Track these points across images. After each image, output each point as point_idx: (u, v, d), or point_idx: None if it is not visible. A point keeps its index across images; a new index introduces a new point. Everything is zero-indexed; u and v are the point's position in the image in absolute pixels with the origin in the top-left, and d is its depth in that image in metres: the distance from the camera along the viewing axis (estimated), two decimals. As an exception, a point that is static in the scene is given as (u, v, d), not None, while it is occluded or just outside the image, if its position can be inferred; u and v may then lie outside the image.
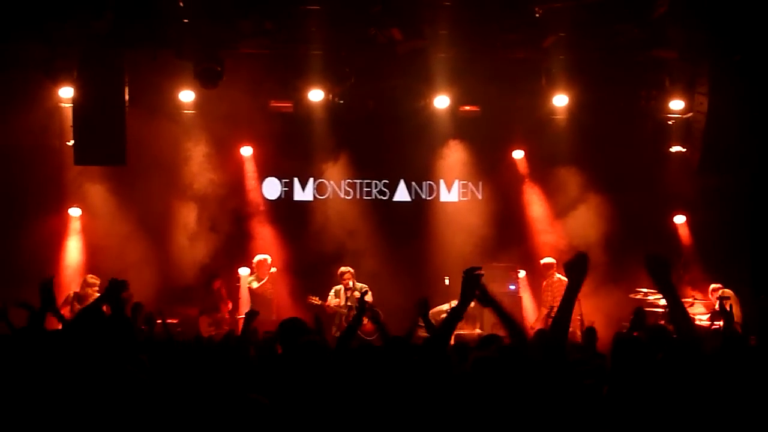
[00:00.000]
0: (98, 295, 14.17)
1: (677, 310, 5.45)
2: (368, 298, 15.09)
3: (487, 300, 5.67)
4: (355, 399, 4.73)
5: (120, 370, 4.98)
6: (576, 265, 5.40)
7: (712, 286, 15.23)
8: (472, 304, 5.62)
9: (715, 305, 13.61)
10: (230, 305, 15.88)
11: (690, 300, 15.38)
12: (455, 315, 5.67)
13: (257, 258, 15.99)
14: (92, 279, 14.82)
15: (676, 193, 17.11)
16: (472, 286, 5.58)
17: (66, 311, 14.18)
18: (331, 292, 15.55)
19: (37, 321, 7.31)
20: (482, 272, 5.65)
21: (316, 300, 15.24)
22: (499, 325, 5.74)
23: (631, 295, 14.91)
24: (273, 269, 15.89)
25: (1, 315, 8.76)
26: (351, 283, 15.48)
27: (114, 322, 6.98)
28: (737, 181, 16.34)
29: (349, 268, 15.56)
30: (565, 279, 5.40)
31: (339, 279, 15.52)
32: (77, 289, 14.90)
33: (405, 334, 7.64)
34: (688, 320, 5.51)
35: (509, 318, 5.65)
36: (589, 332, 9.46)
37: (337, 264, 15.84)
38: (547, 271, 16.06)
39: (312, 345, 6.50)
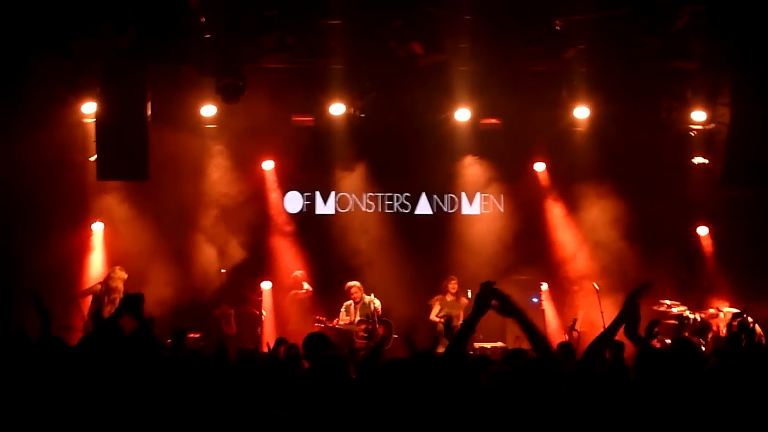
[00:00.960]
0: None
1: (528, 331, 5.54)
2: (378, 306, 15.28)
3: (510, 310, 5.62)
4: (379, 413, 4.71)
5: (141, 385, 4.98)
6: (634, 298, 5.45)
7: (725, 309, 15.11)
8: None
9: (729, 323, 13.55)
10: (234, 328, 15.82)
11: (714, 311, 15.30)
12: (467, 327, 5.66)
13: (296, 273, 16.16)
14: (121, 272, 14.80)
15: (699, 204, 17.05)
16: (486, 299, 5.56)
17: (86, 303, 14.44)
18: (342, 309, 15.60)
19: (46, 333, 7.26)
20: (497, 286, 5.64)
21: (322, 322, 15.27)
22: (522, 337, 5.72)
23: (655, 307, 14.83)
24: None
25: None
26: (360, 297, 15.53)
27: (138, 338, 7.02)
28: (760, 192, 16.26)
29: (356, 283, 15.63)
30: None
31: (348, 294, 15.57)
32: (103, 281, 14.82)
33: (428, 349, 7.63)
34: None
35: (533, 329, 5.59)
36: (618, 346, 9.41)
37: (359, 277, 15.85)
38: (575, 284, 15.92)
39: (335, 359, 6.52)
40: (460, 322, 15.18)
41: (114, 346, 6.62)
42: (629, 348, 8.81)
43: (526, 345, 5.92)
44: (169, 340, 11.52)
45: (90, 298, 14.53)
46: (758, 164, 14.96)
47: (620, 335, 5.87)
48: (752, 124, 14.62)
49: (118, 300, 14.35)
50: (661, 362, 5.59)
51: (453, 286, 15.76)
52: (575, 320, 15.07)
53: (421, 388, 4.67)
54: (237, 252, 16.47)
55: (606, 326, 12.52)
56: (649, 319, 7.41)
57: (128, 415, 5.00)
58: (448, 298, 15.72)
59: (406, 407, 4.58)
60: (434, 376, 4.84)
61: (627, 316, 5.54)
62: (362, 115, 15.63)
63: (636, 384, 5.52)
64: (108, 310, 14.06)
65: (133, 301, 7.08)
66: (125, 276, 14.67)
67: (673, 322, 14.84)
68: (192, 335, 14.56)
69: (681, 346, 8.07)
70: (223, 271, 15.98)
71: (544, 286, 16.50)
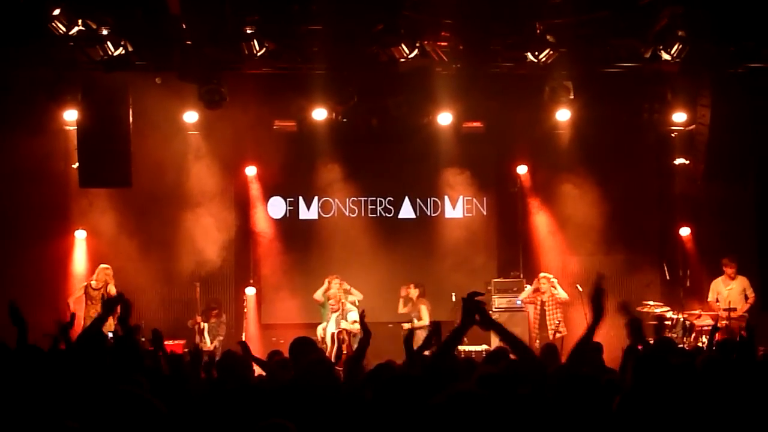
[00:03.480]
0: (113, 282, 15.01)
1: (508, 340, 5.73)
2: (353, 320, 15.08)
3: (489, 323, 5.75)
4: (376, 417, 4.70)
5: (125, 393, 4.93)
6: (597, 298, 5.50)
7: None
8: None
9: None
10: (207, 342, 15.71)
11: (696, 312, 15.39)
12: (456, 336, 5.73)
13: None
14: (107, 269, 15.18)
15: (681, 205, 17.14)
16: (472, 311, 5.62)
17: (80, 302, 14.82)
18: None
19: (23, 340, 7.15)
20: (482, 298, 5.72)
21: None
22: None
23: (638, 308, 14.89)
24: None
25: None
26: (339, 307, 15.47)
27: (122, 345, 7.00)
28: (741, 192, 16.39)
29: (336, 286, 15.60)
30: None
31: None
32: (90, 282, 15.17)
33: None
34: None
35: (513, 338, 5.71)
36: (596, 348, 9.45)
37: (346, 282, 15.83)
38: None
39: (319, 363, 6.53)
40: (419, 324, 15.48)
41: (97, 353, 6.61)
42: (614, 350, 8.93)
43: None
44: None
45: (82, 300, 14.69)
46: (739, 164, 15.11)
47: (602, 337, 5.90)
48: (733, 125, 14.73)
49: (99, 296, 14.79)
50: (655, 363, 5.61)
51: (406, 291, 15.98)
52: (559, 322, 15.14)
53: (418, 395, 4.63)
54: (220, 258, 16.48)
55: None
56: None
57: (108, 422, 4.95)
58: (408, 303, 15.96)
59: (401, 414, 4.56)
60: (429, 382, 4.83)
61: (599, 317, 5.56)
62: (344, 120, 15.65)
63: (631, 385, 5.54)
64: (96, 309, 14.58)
65: (117, 304, 7.05)
66: (110, 271, 15.16)
67: (655, 322, 14.90)
68: (176, 342, 14.55)
69: (662, 346, 8.12)
70: (196, 284, 15.79)
71: (528, 288, 16.50)
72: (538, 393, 5.31)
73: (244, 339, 15.49)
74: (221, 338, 15.74)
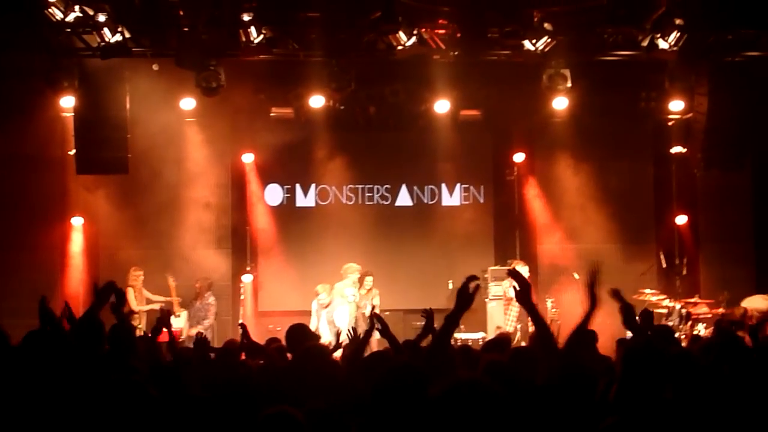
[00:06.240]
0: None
1: (538, 323, 5.55)
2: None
3: (526, 300, 5.58)
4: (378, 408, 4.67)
5: (124, 381, 4.93)
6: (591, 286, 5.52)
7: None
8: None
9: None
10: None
11: (694, 300, 15.41)
12: (451, 321, 5.65)
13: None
14: (136, 271, 15.41)
15: (678, 193, 17.17)
16: (469, 294, 5.59)
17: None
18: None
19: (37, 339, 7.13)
20: (478, 281, 5.66)
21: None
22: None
23: (635, 297, 14.91)
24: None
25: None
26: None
27: (117, 333, 7.00)
28: (738, 180, 16.42)
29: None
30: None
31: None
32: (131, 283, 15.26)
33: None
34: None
35: (543, 322, 5.62)
36: (591, 336, 9.47)
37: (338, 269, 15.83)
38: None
39: (316, 349, 6.54)
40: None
41: (95, 340, 6.61)
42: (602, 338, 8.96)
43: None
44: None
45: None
46: (736, 152, 15.15)
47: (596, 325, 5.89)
48: (730, 113, 14.76)
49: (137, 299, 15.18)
50: (652, 354, 5.60)
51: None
52: (554, 310, 15.17)
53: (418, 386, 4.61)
54: (216, 245, 16.51)
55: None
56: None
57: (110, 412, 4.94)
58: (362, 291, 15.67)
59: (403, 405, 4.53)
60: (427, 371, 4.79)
61: (593, 305, 5.55)
62: (342, 108, 15.67)
63: (624, 375, 5.54)
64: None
65: (109, 293, 7.03)
66: (141, 273, 15.38)
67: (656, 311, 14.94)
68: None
69: (659, 334, 8.15)
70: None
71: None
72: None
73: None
74: (208, 322, 15.49)
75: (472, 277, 5.65)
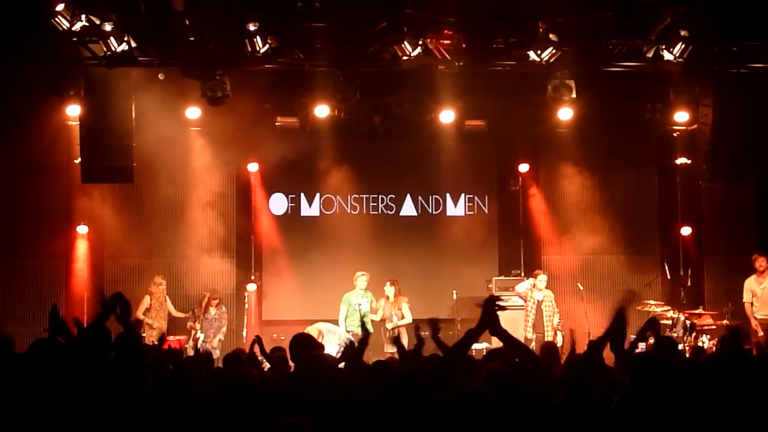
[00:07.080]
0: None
1: (510, 343, 5.75)
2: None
3: (498, 331, 5.69)
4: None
5: (131, 388, 4.95)
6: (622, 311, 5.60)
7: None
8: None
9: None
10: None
11: (698, 312, 15.39)
12: (470, 337, 5.69)
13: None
14: (159, 279, 15.58)
15: (682, 204, 17.16)
16: (493, 315, 5.60)
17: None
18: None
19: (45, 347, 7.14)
20: (503, 303, 5.72)
21: None
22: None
23: (639, 308, 14.91)
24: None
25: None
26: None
27: (124, 342, 7.00)
28: (743, 191, 16.43)
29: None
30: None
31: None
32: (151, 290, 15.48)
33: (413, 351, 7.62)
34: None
35: (516, 342, 5.79)
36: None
37: (345, 279, 15.84)
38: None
39: (319, 359, 6.55)
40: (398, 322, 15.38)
41: (102, 349, 6.62)
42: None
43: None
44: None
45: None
46: (741, 164, 15.16)
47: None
48: (735, 124, 14.77)
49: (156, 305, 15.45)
50: (657, 364, 5.62)
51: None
52: (560, 322, 15.14)
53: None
54: (221, 254, 16.53)
55: (590, 329, 12.66)
56: (633, 320, 7.52)
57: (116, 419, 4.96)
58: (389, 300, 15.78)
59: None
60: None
61: (616, 329, 5.57)
62: (347, 117, 15.67)
63: (633, 385, 5.55)
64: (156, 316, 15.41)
65: (115, 304, 7.03)
66: (163, 282, 15.57)
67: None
68: (177, 338, 14.59)
69: (663, 345, 8.14)
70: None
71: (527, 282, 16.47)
72: (545, 394, 5.30)
73: (245, 335, 15.55)
74: (225, 330, 15.68)
75: (495, 298, 5.69)
